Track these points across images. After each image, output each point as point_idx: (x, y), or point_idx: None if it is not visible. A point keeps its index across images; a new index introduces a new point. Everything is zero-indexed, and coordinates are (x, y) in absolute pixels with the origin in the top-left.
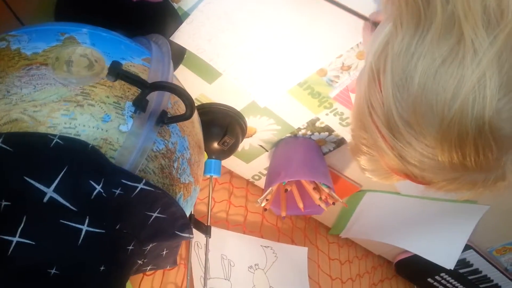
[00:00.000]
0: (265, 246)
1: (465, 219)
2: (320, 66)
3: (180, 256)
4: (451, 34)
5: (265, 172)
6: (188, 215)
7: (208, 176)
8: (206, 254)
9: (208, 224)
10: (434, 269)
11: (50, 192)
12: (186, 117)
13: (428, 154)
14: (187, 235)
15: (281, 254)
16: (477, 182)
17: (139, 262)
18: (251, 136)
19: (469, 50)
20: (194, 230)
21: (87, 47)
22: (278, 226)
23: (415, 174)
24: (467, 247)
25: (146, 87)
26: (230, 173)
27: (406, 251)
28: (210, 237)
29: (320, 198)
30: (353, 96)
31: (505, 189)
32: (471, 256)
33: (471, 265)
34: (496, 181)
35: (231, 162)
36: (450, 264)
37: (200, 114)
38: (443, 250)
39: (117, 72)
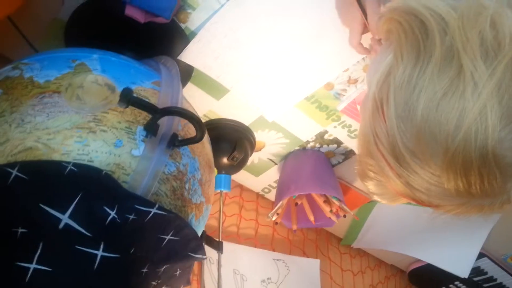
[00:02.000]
0: (277, 260)
1: (478, 227)
2: (327, 80)
3: (193, 272)
4: (451, 66)
5: (275, 185)
6: (200, 234)
7: (218, 191)
8: (218, 271)
9: (220, 240)
10: (448, 278)
11: (65, 218)
12: (196, 140)
13: (435, 182)
14: (200, 256)
15: (293, 267)
16: (483, 206)
17: (153, 283)
18: (260, 150)
19: (469, 82)
20: (205, 246)
21: (97, 74)
22: (290, 238)
23: (422, 199)
24: (481, 255)
25: (157, 112)
26: (240, 186)
27: (419, 260)
28: (222, 252)
29: (331, 211)
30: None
31: None
32: (486, 264)
33: (486, 273)
34: (502, 205)
35: (241, 176)
36: (464, 273)
37: (208, 130)
38: (456, 258)
39: (128, 98)
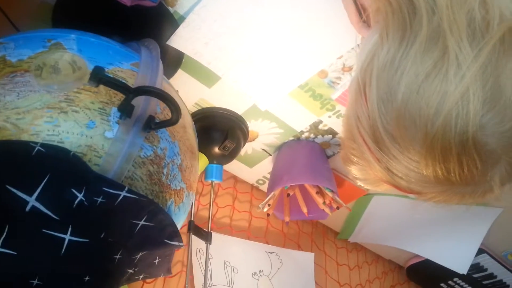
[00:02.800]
0: (270, 252)
1: (477, 223)
2: (320, 67)
3: (182, 263)
4: (436, 48)
5: (269, 176)
6: (182, 222)
7: (209, 181)
8: (206, 261)
9: (209, 231)
10: (447, 274)
11: (32, 201)
12: (172, 122)
13: (414, 168)
14: (176, 243)
15: (286, 260)
16: (464, 194)
17: (130, 271)
18: (253, 140)
19: (453, 64)
20: (195, 237)
21: (68, 53)
22: (284, 231)
23: (402, 186)
24: (480, 251)
25: (129, 92)
26: (234, 177)
27: (418, 256)
28: (210, 243)
29: (324, 203)
30: None
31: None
32: (485, 261)
33: (485, 270)
34: (484, 194)
35: (234, 167)
36: (463, 269)
37: (200, 119)
38: (455, 254)
39: (99, 77)
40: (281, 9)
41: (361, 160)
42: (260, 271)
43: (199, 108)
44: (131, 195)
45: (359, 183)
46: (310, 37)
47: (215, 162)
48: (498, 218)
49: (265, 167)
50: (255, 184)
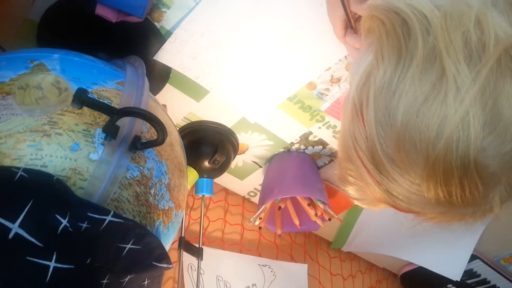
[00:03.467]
0: (262, 265)
1: (469, 229)
2: (309, 79)
3: (174, 279)
4: (433, 69)
5: (260, 188)
6: (171, 241)
7: (200, 195)
8: (198, 278)
9: (200, 246)
10: (441, 280)
11: (15, 228)
12: (158, 142)
13: (414, 191)
14: (165, 265)
15: (280, 273)
16: (465, 215)
17: None
18: (243, 152)
19: (452, 87)
20: (185, 254)
21: (51, 74)
22: (277, 243)
23: (402, 207)
24: (473, 257)
25: (114, 113)
26: (225, 190)
27: (411, 263)
28: (202, 259)
29: (316, 214)
30: None
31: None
32: (478, 266)
33: (479, 275)
34: (484, 214)
35: (225, 180)
36: (456, 275)
37: (189, 133)
38: (448, 261)
39: (82, 99)
40: (269, 22)
41: (359, 181)
42: (253, 285)
43: (188, 122)
44: (116, 219)
45: (356, 202)
46: (298, 49)
47: (205, 176)
48: (489, 224)
49: (256, 179)
50: (247, 196)
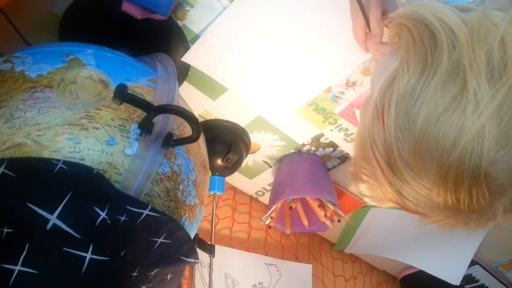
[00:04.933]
0: (269, 264)
1: (471, 234)
2: (328, 84)
3: (184, 276)
4: (455, 82)
5: (269, 188)
6: (193, 237)
7: (211, 193)
8: (210, 275)
9: (212, 243)
10: (440, 285)
11: (53, 219)
12: (192, 139)
13: (424, 194)
14: (192, 260)
15: (285, 272)
16: (470, 220)
17: (143, 287)
18: (255, 152)
19: (471, 101)
20: (197, 250)
21: (91, 69)
22: (282, 242)
23: (410, 208)
24: (473, 263)
25: (152, 110)
26: (234, 189)
27: (412, 267)
28: (214, 256)
29: (325, 215)
30: (358, 112)
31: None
32: (477, 272)
33: (477, 281)
34: (487, 221)
35: (234, 178)
36: (456, 280)
37: (203, 131)
38: (448, 265)
39: (123, 95)
40: (291, 28)
41: (372, 180)
42: (260, 283)
43: (203, 120)
44: (153, 213)
45: (366, 199)
46: (318, 55)
47: (217, 174)
48: (490, 230)
49: (265, 179)
50: (254, 196)
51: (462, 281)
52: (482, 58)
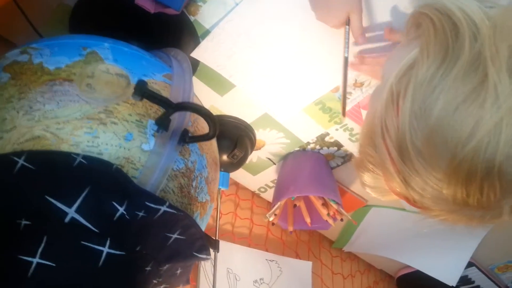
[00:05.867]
0: (270, 260)
1: (469, 236)
2: (335, 84)
3: None
4: (476, 74)
5: (271, 184)
6: None
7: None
8: (214, 270)
9: (217, 239)
10: (436, 285)
11: (71, 212)
12: (209, 137)
13: (433, 185)
14: (204, 256)
15: (286, 269)
16: (474, 217)
17: (154, 281)
18: (259, 148)
19: (491, 94)
20: None
21: (110, 64)
22: (283, 239)
23: (415, 199)
24: (469, 264)
25: (171, 107)
26: (236, 184)
27: (408, 266)
28: (218, 251)
29: (328, 214)
30: (364, 113)
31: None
32: (473, 273)
33: (473, 282)
34: (492, 219)
35: (238, 174)
36: (452, 281)
37: None
38: (445, 266)
39: (143, 91)
40: (301, 27)
41: (377, 169)
42: (260, 279)
43: None
44: (170, 210)
45: (368, 190)
46: (326, 54)
47: (222, 169)
48: (487, 232)
49: (268, 175)
50: (257, 192)
51: (458, 282)
52: (504, 52)
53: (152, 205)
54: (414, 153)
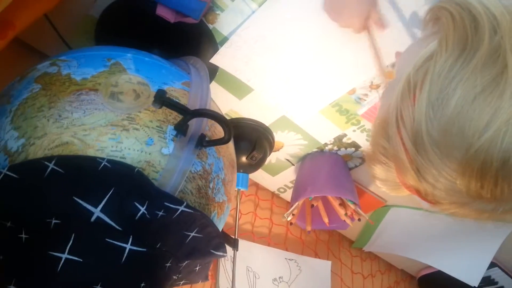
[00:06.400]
0: (289, 259)
1: (491, 236)
2: (352, 86)
3: None
4: (495, 65)
5: (290, 185)
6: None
7: (235, 189)
8: (233, 268)
9: (236, 237)
10: (458, 286)
11: (97, 212)
12: (224, 141)
13: (447, 176)
14: (221, 253)
15: (305, 267)
16: (485, 211)
17: (174, 277)
18: (278, 150)
19: (511, 84)
20: None
21: (132, 74)
22: (302, 238)
23: (427, 191)
24: (492, 265)
25: (188, 114)
26: (256, 185)
27: (430, 266)
28: (237, 250)
29: (346, 214)
30: None
31: None
32: (496, 274)
33: (496, 283)
34: (504, 213)
35: (257, 175)
36: (474, 282)
37: None
38: (467, 267)
39: (162, 100)
40: (316, 31)
41: (390, 160)
42: (280, 277)
43: (229, 118)
44: (187, 210)
45: (378, 183)
46: (342, 57)
47: (241, 170)
48: (511, 232)
49: (287, 176)
50: (276, 192)
51: (481, 283)
52: None
53: (171, 205)
54: (429, 143)
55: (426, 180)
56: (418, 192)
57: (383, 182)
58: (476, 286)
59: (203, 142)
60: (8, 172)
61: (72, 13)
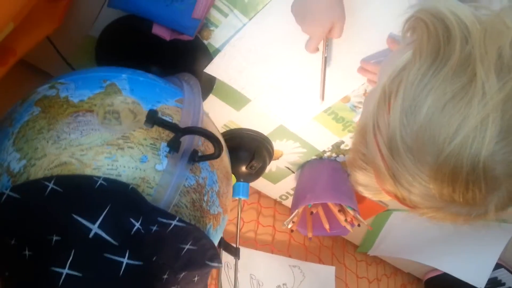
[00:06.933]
0: (293, 266)
1: (495, 238)
2: (344, 94)
3: (211, 276)
4: (465, 73)
5: (292, 192)
6: (217, 241)
7: (236, 198)
8: (235, 276)
9: (237, 246)
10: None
11: (95, 228)
12: (214, 157)
13: (421, 181)
14: (216, 264)
15: (308, 274)
16: (460, 215)
17: None
18: (278, 158)
19: (479, 91)
20: (223, 252)
21: (126, 96)
22: (306, 245)
23: (404, 196)
24: (498, 266)
25: (179, 131)
26: (258, 193)
27: (436, 269)
28: (239, 259)
29: (346, 220)
30: None
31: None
32: (503, 275)
33: (503, 284)
34: (478, 217)
35: (259, 183)
36: (480, 283)
37: (228, 139)
38: (473, 268)
39: (153, 120)
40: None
41: (369, 166)
42: (283, 284)
43: (228, 129)
44: (181, 224)
45: (360, 188)
46: (334, 66)
47: (241, 180)
48: None
49: (288, 183)
50: (278, 199)
51: (487, 284)
52: (493, 54)
53: (164, 220)
54: (404, 149)
55: (402, 185)
56: (396, 197)
57: (364, 187)
58: (483, 287)
59: (195, 157)
60: (11, 193)
61: (73, 34)
